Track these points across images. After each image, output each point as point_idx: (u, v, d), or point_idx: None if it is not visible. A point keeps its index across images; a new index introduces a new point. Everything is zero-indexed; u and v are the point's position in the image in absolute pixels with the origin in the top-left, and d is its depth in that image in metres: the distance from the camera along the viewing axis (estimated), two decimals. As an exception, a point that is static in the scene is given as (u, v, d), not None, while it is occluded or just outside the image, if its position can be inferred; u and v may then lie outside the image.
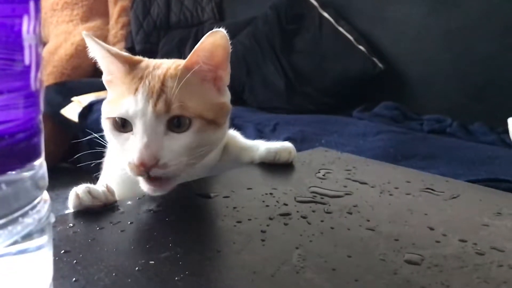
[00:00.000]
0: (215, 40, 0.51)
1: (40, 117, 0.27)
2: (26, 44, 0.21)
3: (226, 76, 0.55)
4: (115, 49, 0.55)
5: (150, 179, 0.49)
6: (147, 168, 0.48)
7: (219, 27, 0.51)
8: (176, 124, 0.50)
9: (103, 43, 0.53)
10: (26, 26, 0.21)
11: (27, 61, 0.22)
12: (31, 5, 0.22)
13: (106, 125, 0.52)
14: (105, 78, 0.55)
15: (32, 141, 0.25)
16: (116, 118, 0.50)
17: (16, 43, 0.21)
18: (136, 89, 0.50)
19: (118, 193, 0.51)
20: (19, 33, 0.21)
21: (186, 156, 0.50)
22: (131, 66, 0.53)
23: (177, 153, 0.50)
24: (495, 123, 1.53)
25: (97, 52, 0.53)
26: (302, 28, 1.96)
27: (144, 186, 0.50)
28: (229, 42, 0.52)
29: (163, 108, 0.49)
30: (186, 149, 0.50)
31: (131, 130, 0.50)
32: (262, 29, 2.01)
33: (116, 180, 0.57)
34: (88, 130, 0.63)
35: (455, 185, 0.60)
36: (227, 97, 0.57)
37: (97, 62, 0.55)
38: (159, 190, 0.51)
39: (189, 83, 0.50)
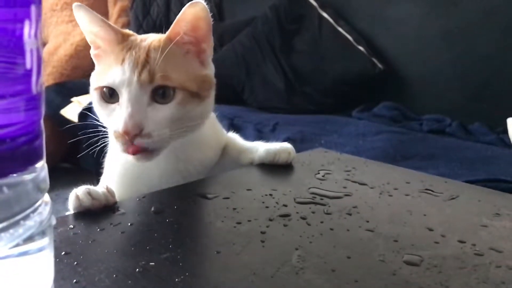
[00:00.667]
0: (196, 12, 0.52)
1: (42, 119, 0.27)
2: (27, 48, 0.22)
3: (209, 49, 0.57)
4: (108, 21, 0.56)
5: (134, 148, 0.52)
6: (130, 136, 0.50)
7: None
8: (160, 95, 0.52)
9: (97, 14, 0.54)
10: (28, 30, 0.22)
11: (28, 65, 0.22)
12: (33, 9, 0.22)
13: (94, 96, 0.54)
14: (93, 52, 0.57)
15: (33, 144, 0.25)
16: (104, 89, 0.53)
17: (17, 47, 0.21)
18: (123, 60, 0.52)
19: (119, 191, 0.52)
20: (20, 38, 0.21)
21: (169, 128, 0.53)
22: (123, 37, 0.55)
23: (160, 123, 0.52)
24: (495, 123, 1.54)
25: (90, 22, 0.54)
26: (301, 28, 1.97)
27: (128, 155, 0.53)
28: (210, 15, 0.54)
29: (147, 78, 0.51)
30: (170, 120, 0.52)
31: (118, 101, 0.52)
32: (262, 29, 2.01)
33: (117, 178, 0.58)
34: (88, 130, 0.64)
35: (454, 186, 0.60)
36: (210, 70, 0.58)
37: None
38: (142, 159, 0.53)
39: (172, 54, 0.52)
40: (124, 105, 0.51)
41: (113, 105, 0.53)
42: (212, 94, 0.58)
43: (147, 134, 0.51)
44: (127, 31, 0.58)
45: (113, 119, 0.52)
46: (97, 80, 0.54)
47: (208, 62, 0.58)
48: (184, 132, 0.55)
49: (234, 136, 0.69)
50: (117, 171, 0.59)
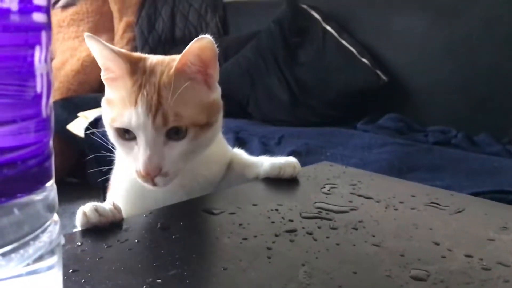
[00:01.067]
0: (201, 44, 0.53)
1: (51, 140, 0.27)
2: (38, 73, 0.22)
3: (215, 73, 0.57)
4: (117, 48, 0.56)
5: (154, 182, 0.54)
6: (151, 177, 0.53)
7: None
8: (174, 133, 0.54)
9: (105, 42, 0.55)
10: (38, 55, 0.22)
11: (38, 89, 0.22)
12: (43, 35, 0.23)
13: (110, 132, 0.56)
14: (104, 76, 0.57)
15: (44, 165, 0.26)
16: (123, 129, 0.54)
17: (28, 72, 0.22)
18: (136, 102, 0.53)
19: (125, 207, 0.52)
20: (31, 63, 0.22)
21: (184, 161, 0.55)
22: (132, 66, 0.55)
23: (177, 160, 0.55)
24: (500, 134, 1.53)
25: (100, 52, 0.55)
26: (305, 41, 1.98)
27: (148, 187, 0.55)
28: (216, 46, 0.54)
29: (161, 121, 0.52)
30: (185, 155, 0.55)
31: (135, 138, 0.54)
32: (266, 43, 2.02)
33: (123, 194, 0.59)
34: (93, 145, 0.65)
35: (460, 199, 0.60)
36: (217, 92, 0.59)
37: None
38: (161, 187, 0.55)
39: (181, 89, 0.53)
40: (142, 147, 0.53)
41: (131, 143, 0.54)
42: (220, 116, 0.60)
43: (165, 173, 0.54)
44: (136, 55, 0.58)
45: (133, 158, 0.54)
46: (112, 117, 0.55)
47: (215, 85, 0.59)
48: (196, 157, 0.58)
49: (239, 152, 0.69)
50: (123, 188, 0.60)
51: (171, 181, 0.55)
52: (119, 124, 0.54)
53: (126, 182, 0.60)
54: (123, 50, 0.58)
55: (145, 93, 0.53)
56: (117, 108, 0.54)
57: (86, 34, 0.54)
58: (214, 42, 0.54)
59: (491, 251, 0.45)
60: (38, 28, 0.22)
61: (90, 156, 0.71)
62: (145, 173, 0.53)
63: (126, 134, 0.54)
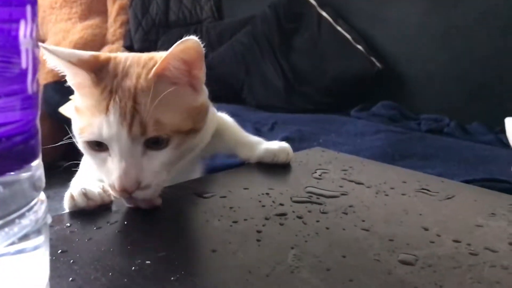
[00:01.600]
0: (185, 46, 0.47)
1: (38, 118, 0.27)
2: (23, 48, 0.22)
3: (201, 74, 0.51)
4: (76, 55, 0.48)
5: (134, 202, 0.48)
6: (129, 192, 0.46)
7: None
8: (153, 141, 0.47)
9: (62, 51, 0.48)
10: (23, 30, 0.22)
11: (24, 65, 0.22)
12: (28, 9, 0.22)
13: (80, 144, 0.49)
14: (70, 82, 0.50)
15: (29, 143, 0.26)
16: (94, 139, 0.47)
17: (13, 47, 0.21)
18: (107, 108, 0.46)
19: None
20: (16, 37, 0.21)
21: (166, 170, 0.49)
22: (98, 74, 0.48)
23: (157, 171, 0.48)
24: (493, 123, 1.54)
25: (58, 64, 0.48)
26: (300, 27, 1.96)
27: (127, 204, 0.49)
28: (202, 46, 0.48)
29: (139, 130, 0.46)
30: (168, 165, 0.49)
31: (107, 149, 0.47)
32: (261, 28, 2.01)
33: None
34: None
35: (450, 186, 0.60)
36: (204, 95, 0.54)
37: None
38: (148, 207, 0.49)
39: (162, 95, 0.46)
40: (116, 159, 0.46)
41: (103, 154, 0.47)
42: (207, 118, 0.54)
43: (145, 186, 0.47)
44: (103, 56, 0.50)
45: (106, 171, 0.47)
46: (81, 127, 0.48)
47: (201, 87, 0.53)
48: (182, 163, 0.52)
49: (231, 123, 0.67)
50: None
51: (154, 196, 0.49)
52: (88, 136, 0.47)
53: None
54: (85, 54, 0.49)
55: (117, 99, 0.46)
56: (86, 117, 0.47)
57: (40, 44, 0.40)
58: (200, 43, 0.47)
59: (479, 236, 0.45)
60: (22, 2, 0.22)
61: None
62: (120, 189, 0.46)
63: (98, 146, 0.47)
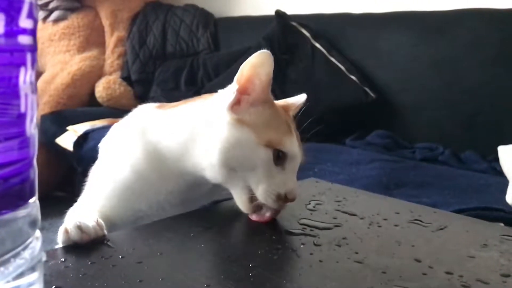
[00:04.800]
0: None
1: (35, 158, 0.28)
2: (22, 93, 0.23)
3: None
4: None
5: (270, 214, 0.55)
6: (287, 202, 0.54)
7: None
8: None
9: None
10: (23, 76, 0.23)
11: (22, 109, 0.23)
12: (28, 56, 0.23)
13: (264, 153, 0.54)
14: (236, 97, 0.56)
15: (27, 182, 0.26)
16: (280, 153, 0.54)
17: (13, 93, 0.22)
18: (291, 132, 0.57)
19: (112, 204, 0.55)
20: (16, 84, 0.22)
21: None
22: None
23: None
24: (486, 151, 1.55)
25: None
26: (295, 58, 2.00)
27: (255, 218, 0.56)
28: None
29: (303, 154, 0.58)
30: None
31: (282, 165, 0.54)
32: (256, 59, 2.04)
33: (114, 192, 0.58)
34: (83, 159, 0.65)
35: (442, 216, 0.61)
36: None
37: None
38: (266, 220, 0.55)
39: None
40: (291, 174, 0.55)
41: (278, 168, 0.54)
42: None
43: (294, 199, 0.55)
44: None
45: (275, 181, 0.53)
46: (268, 141, 0.54)
47: None
48: None
49: None
50: (117, 185, 0.58)
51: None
52: (283, 147, 0.54)
53: (124, 180, 0.58)
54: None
55: (291, 126, 0.58)
56: (269, 132, 0.55)
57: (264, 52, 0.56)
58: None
59: (471, 268, 0.46)
60: (23, 49, 0.23)
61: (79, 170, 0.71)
62: (292, 197, 0.54)
63: (278, 160, 0.54)
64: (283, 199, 0.53)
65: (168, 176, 0.57)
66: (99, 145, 0.64)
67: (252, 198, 0.54)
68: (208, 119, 0.56)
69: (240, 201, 0.55)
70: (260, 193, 0.53)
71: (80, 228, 0.47)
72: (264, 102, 0.57)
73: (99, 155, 0.63)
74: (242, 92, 0.56)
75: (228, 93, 0.57)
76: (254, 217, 0.55)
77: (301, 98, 0.68)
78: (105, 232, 0.50)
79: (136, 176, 0.57)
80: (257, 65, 0.55)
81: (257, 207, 0.55)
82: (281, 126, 0.57)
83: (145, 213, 0.58)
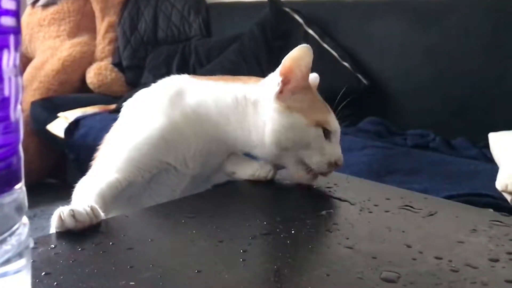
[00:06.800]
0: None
1: (20, 143, 0.27)
2: (6, 76, 0.22)
3: None
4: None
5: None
6: (337, 167, 0.62)
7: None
8: None
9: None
10: (6, 59, 0.22)
11: (6, 93, 0.22)
12: (11, 38, 0.23)
13: (314, 131, 0.62)
14: (281, 86, 0.63)
15: (12, 168, 0.26)
16: (325, 130, 0.63)
17: (-4, 76, 0.22)
18: (329, 110, 0.66)
19: (141, 153, 0.60)
20: (-1, 66, 0.22)
21: None
22: None
23: None
24: (477, 138, 1.56)
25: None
26: (287, 44, 1.99)
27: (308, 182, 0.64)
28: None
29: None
30: None
31: (329, 138, 0.63)
32: (249, 46, 2.03)
33: (145, 145, 0.61)
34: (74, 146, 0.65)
35: (433, 202, 0.61)
36: None
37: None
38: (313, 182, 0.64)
39: None
40: (336, 145, 0.64)
41: (326, 140, 0.63)
42: None
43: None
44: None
45: (327, 152, 0.62)
46: (317, 121, 0.62)
47: None
48: None
49: None
50: (152, 134, 0.61)
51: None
52: (328, 125, 0.63)
53: (158, 130, 0.61)
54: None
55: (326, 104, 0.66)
56: (315, 113, 0.63)
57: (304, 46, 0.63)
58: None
59: (460, 253, 0.46)
60: (6, 31, 0.22)
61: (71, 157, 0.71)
62: (341, 164, 0.62)
63: (325, 134, 0.63)
64: (334, 165, 0.62)
65: (202, 136, 0.62)
66: (124, 104, 0.67)
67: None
68: (256, 104, 0.63)
69: (298, 175, 0.63)
70: (315, 164, 0.61)
71: (74, 216, 0.47)
72: (304, 88, 0.64)
73: (121, 116, 0.66)
74: (286, 82, 0.63)
75: (272, 84, 0.64)
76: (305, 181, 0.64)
77: (315, 77, 0.72)
78: (101, 217, 0.49)
79: (172, 127, 0.62)
80: (298, 58, 0.62)
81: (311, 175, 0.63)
82: (322, 107, 0.65)
83: (167, 168, 0.62)
